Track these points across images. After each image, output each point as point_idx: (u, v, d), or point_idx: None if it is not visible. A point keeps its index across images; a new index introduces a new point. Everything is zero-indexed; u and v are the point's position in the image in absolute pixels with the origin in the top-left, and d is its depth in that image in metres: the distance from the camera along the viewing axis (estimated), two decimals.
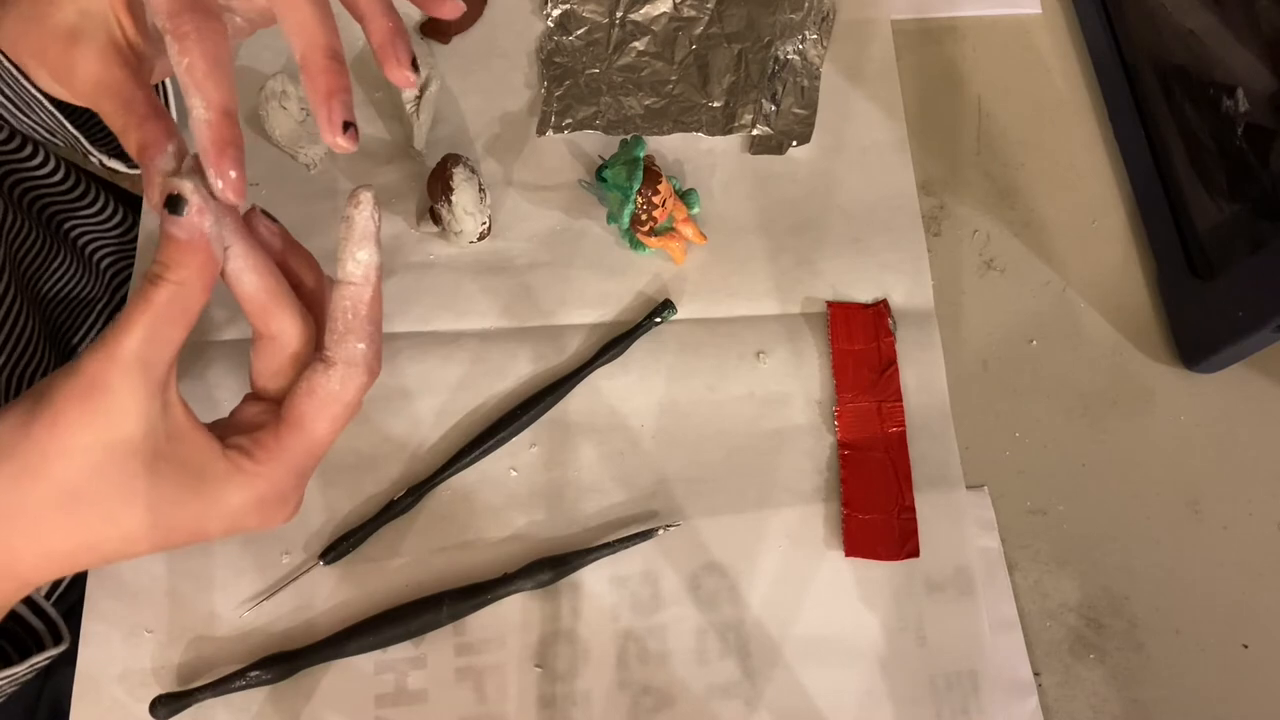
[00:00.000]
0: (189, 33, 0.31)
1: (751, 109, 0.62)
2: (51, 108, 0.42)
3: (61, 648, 0.44)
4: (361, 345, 0.32)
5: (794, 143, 0.61)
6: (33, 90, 0.41)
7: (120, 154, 0.48)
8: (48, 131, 0.46)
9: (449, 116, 0.61)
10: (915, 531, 0.51)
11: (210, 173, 0.31)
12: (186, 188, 0.30)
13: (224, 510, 0.32)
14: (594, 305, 0.56)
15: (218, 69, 0.32)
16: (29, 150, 0.57)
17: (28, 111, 0.43)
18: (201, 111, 0.31)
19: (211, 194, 0.31)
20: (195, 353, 0.54)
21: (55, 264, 0.62)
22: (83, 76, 0.36)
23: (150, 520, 0.31)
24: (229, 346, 0.54)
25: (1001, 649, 0.50)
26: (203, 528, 0.33)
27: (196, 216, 0.30)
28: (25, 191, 0.59)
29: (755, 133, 0.61)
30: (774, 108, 0.62)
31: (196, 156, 0.31)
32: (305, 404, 0.33)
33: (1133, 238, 0.60)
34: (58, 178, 0.61)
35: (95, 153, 0.47)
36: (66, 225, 0.64)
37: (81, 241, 0.65)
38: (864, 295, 0.57)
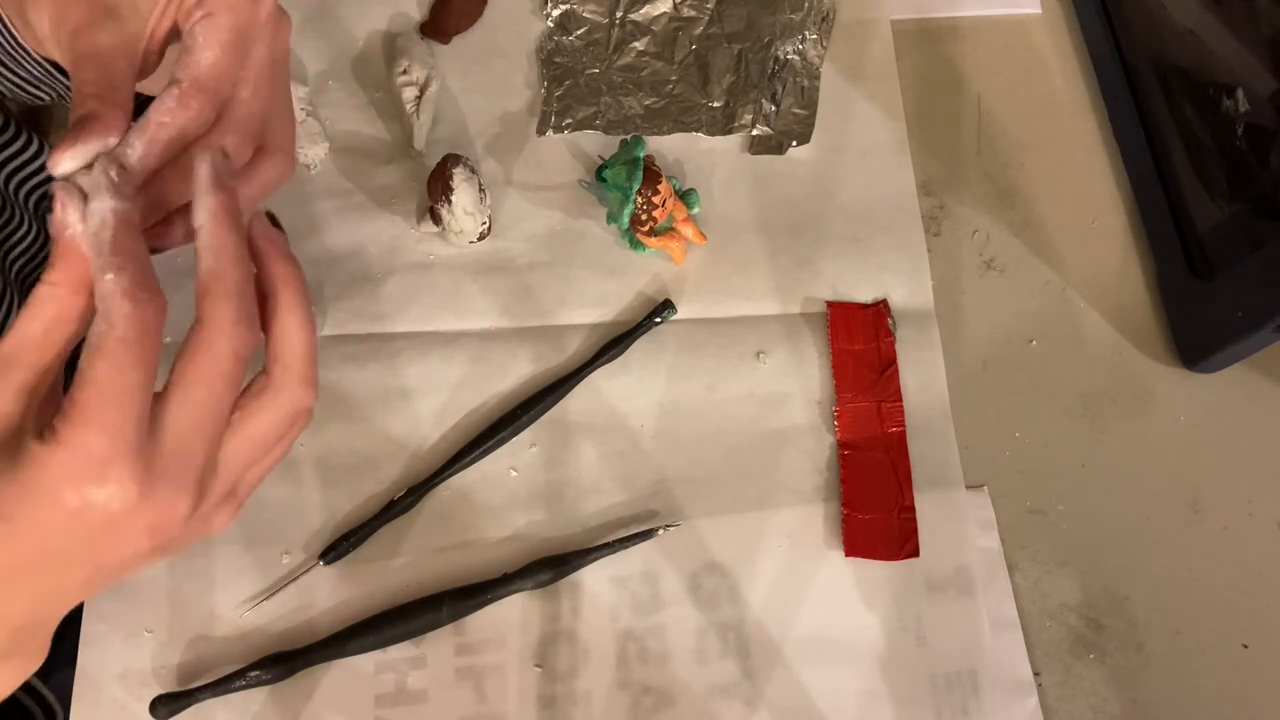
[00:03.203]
0: (218, 36, 0.33)
1: (751, 109, 0.62)
2: (39, 58, 0.41)
3: None
4: (109, 275, 0.29)
5: (794, 143, 0.61)
6: (20, 43, 0.40)
7: None
8: (33, 85, 0.45)
9: (449, 116, 0.61)
10: (915, 531, 0.51)
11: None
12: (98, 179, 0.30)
13: (48, 498, 0.28)
14: (594, 305, 0.56)
15: (218, 79, 0.33)
16: (11, 129, 0.56)
17: (15, 67, 0.42)
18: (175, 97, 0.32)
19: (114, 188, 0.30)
20: None
21: (44, 255, 0.61)
22: (88, 39, 0.34)
23: None
24: None
25: (1001, 649, 0.50)
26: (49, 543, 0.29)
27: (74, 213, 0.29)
28: (10, 174, 0.58)
29: (755, 133, 0.61)
30: (774, 108, 0.62)
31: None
32: (85, 357, 0.29)
33: (1133, 238, 0.60)
34: (32, 149, 0.60)
35: None
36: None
37: None
38: (864, 295, 0.57)
